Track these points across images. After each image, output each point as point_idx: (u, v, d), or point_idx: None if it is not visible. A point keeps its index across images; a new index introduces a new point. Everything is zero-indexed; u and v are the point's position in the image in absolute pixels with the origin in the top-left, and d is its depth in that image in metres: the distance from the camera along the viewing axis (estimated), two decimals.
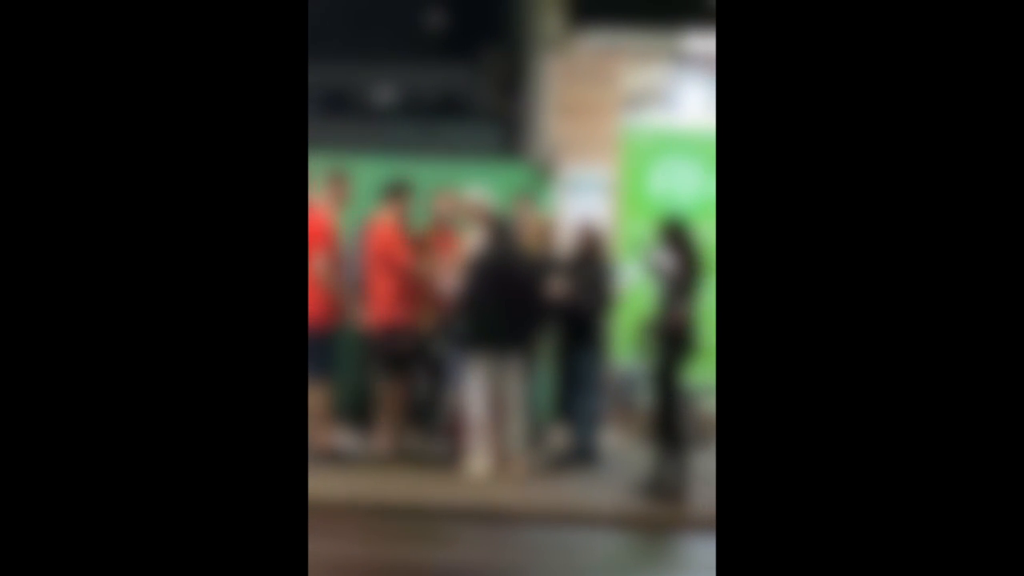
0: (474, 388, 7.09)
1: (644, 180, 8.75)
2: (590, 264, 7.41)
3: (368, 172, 7.63)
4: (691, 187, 8.60)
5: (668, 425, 6.65)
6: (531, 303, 7.18)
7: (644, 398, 7.40)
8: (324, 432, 7.13)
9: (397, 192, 7.37)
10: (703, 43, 8.06)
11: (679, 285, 6.56)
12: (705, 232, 6.38)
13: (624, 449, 7.74)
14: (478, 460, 7.07)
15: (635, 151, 8.73)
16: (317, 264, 6.98)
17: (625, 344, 7.82)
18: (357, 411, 7.50)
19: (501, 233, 7.20)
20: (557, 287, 7.25)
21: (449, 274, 7.26)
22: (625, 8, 8.07)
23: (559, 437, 7.63)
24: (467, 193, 7.44)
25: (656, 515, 6.36)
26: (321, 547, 5.51)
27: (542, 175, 8.52)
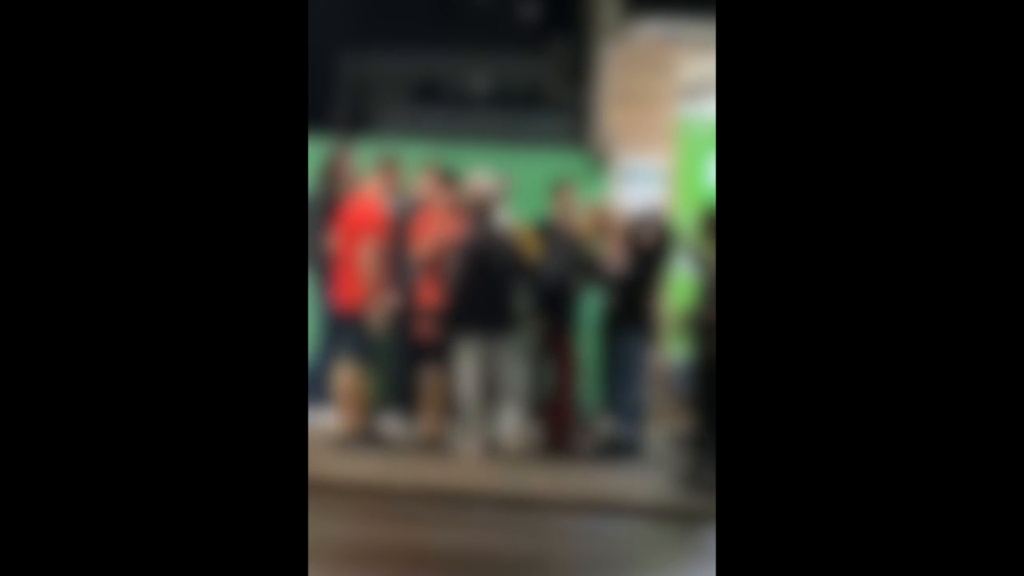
0: (463, 371, 7.14)
1: (698, 171, 8.68)
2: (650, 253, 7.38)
3: (422, 160, 7.72)
4: None
5: (706, 417, 6.62)
6: (514, 285, 7.19)
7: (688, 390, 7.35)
8: (362, 415, 7.25)
9: (448, 179, 7.44)
10: None
11: None
12: None
13: (672, 441, 7.71)
14: (466, 444, 7.13)
15: (690, 141, 8.67)
16: (363, 251, 7.09)
17: (674, 335, 7.78)
18: (401, 396, 7.59)
19: (483, 215, 7.21)
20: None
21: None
22: None
23: (605, 426, 7.64)
24: (473, 178, 7.46)
25: (690, 507, 6.34)
26: (346, 529, 5.64)
27: (597, 164, 8.52)
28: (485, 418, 7.20)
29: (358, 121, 16.91)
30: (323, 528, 5.23)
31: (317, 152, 7.25)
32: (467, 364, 7.14)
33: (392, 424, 7.55)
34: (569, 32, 11.28)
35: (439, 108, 19.13)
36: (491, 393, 7.20)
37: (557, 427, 7.42)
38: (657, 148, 8.62)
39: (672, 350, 8.11)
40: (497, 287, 7.13)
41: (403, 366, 7.46)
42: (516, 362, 7.23)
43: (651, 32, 8.43)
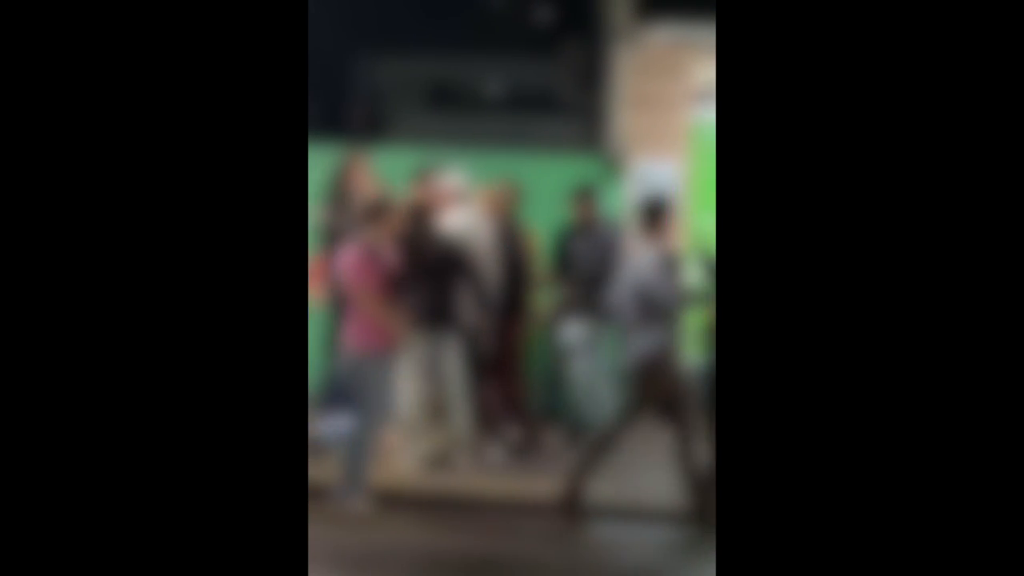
0: (405, 373, 6.64)
1: (713, 174, 8.63)
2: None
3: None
4: None
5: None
6: (455, 282, 6.77)
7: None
8: None
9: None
10: None
11: None
12: None
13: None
14: (407, 455, 6.74)
15: (704, 145, 8.63)
16: None
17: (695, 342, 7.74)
18: None
19: (418, 215, 6.79)
20: None
21: None
22: (695, 0, 7.99)
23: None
24: (444, 177, 7.20)
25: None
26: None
27: (611, 168, 8.50)
28: (432, 427, 6.77)
29: (373, 127, 16.92)
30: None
31: (333, 158, 7.20)
32: (409, 367, 6.63)
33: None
34: (582, 36, 11.26)
35: (454, 113, 19.13)
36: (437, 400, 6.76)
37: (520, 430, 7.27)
38: (671, 152, 8.58)
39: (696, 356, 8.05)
40: (439, 286, 6.69)
41: None
42: (460, 363, 6.76)
43: (664, 36, 8.40)
